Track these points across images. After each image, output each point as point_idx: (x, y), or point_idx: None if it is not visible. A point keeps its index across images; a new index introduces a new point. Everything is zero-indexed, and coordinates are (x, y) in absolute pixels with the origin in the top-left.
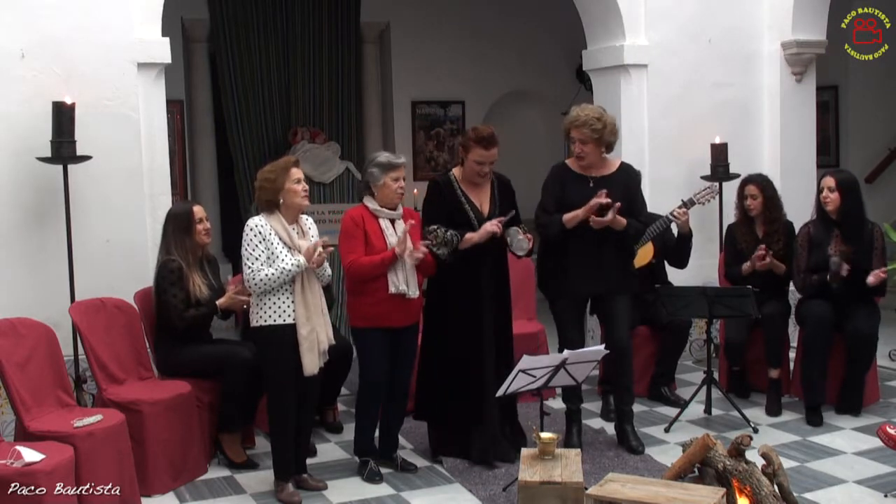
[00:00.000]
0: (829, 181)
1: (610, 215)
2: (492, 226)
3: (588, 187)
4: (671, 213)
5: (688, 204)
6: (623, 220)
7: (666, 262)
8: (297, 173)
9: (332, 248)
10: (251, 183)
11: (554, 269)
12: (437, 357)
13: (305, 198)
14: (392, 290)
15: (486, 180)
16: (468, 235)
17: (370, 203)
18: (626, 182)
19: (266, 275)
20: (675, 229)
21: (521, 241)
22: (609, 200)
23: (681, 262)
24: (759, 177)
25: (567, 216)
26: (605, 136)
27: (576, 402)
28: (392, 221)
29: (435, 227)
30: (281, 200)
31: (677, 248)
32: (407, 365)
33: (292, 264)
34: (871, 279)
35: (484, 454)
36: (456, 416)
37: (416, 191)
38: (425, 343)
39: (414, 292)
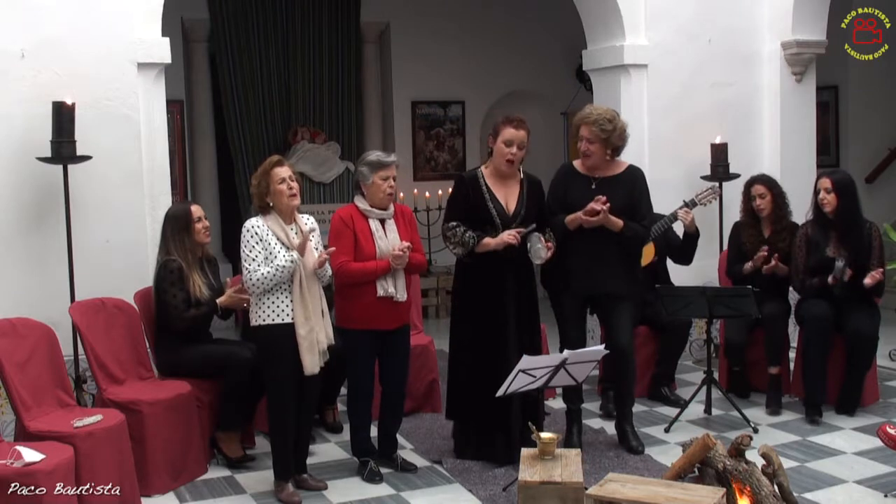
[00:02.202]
0: (826, 182)
1: (601, 215)
2: (510, 236)
3: (590, 188)
4: (674, 214)
5: (689, 204)
6: (619, 222)
7: (669, 261)
8: (280, 173)
9: (333, 250)
10: (250, 184)
11: (556, 267)
12: (464, 358)
13: (293, 197)
14: (380, 292)
15: (514, 170)
16: (486, 240)
17: (360, 203)
18: (631, 185)
19: (262, 274)
20: (679, 229)
21: (539, 248)
22: (604, 208)
23: (686, 260)
24: (764, 177)
25: (569, 218)
26: (613, 138)
27: (576, 402)
28: (382, 222)
29: (455, 224)
30: (270, 203)
31: (683, 247)
32: (399, 367)
33: (286, 259)
34: (867, 281)
35: (510, 457)
36: (482, 418)
37: (415, 191)
38: (453, 343)
39: (402, 295)
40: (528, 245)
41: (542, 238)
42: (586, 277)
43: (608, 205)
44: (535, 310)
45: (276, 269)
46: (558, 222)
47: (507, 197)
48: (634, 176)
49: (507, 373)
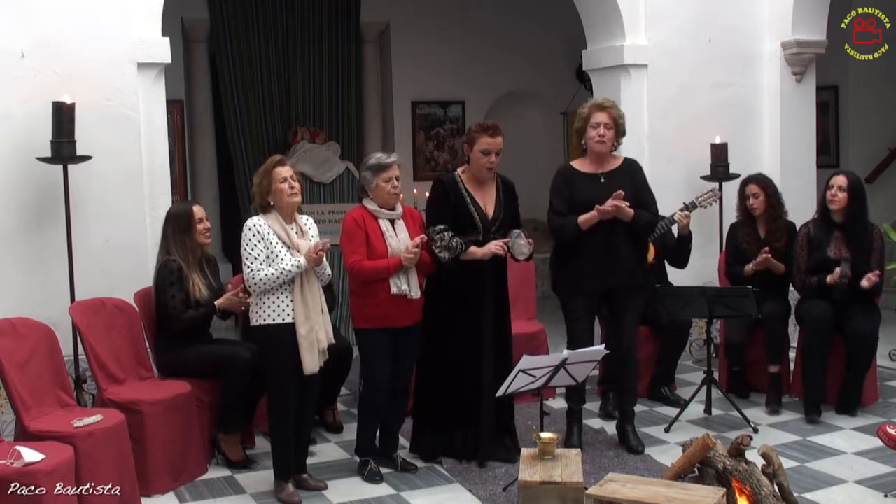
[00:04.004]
0: (842, 180)
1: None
2: (496, 247)
3: (599, 183)
4: (672, 216)
5: (689, 207)
6: (630, 211)
7: (666, 262)
8: (282, 172)
9: (329, 246)
10: (251, 183)
11: (567, 267)
12: (437, 357)
13: (294, 195)
14: (394, 290)
15: (492, 176)
16: (472, 249)
17: (369, 204)
18: (633, 176)
19: (266, 275)
20: (674, 230)
21: (521, 245)
22: (623, 203)
23: (681, 263)
24: (759, 176)
25: (583, 218)
26: (622, 126)
27: (578, 402)
28: (392, 222)
29: (442, 227)
30: (271, 202)
31: (677, 249)
32: (408, 364)
33: (292, 265)
34: (864, 283)
35: (474, 455)
36: (453, 416)
37: (415, 191)
38: (425, 343)
39: (416, 293)
40: (511, 243)
41: (524, 235)
42: (600, 274)
43: (621, 192)
44: (507, 311)
45: (281, 273)
46: (570, 223)
47: (486, 200)
48: (633, 167)
49: (479, 371)
